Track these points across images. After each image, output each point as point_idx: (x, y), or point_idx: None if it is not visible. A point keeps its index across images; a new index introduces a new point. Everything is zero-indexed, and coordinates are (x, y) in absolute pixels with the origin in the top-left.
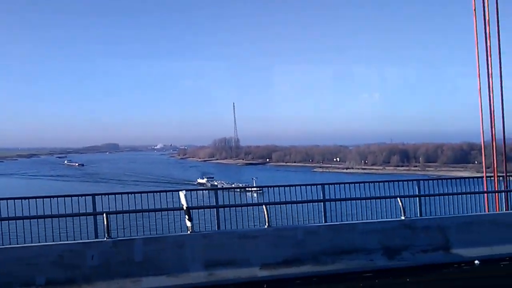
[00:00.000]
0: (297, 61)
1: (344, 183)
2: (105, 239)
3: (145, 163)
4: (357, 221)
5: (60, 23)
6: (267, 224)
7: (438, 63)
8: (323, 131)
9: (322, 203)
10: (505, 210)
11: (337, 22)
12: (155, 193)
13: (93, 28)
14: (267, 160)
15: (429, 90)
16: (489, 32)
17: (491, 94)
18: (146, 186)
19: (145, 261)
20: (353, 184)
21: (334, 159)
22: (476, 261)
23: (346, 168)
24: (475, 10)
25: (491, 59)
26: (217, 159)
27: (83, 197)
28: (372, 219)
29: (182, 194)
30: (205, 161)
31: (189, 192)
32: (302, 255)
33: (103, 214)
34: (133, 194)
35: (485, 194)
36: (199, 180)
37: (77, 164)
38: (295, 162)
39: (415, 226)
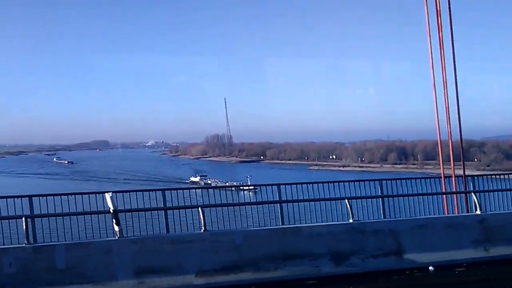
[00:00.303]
0: (292, 56)
1: (302, 183)
2: (24, 244)
3: (136, 161)
4: (302, 225)
5: (48, 17)
6: (203, 228)
7: (436, 58)
8: (318, 128)
9: (278, 204)
10: (466, 212)
11: (333, 14)
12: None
13: (83, 22)
14: (262, 157)
15: (426, 86)
16: (441, 24)
17: (445, 90)
18: (137, 184)
19: (68, 268)
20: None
21: (330, 157)
22: (431, 267)
23: (343, 166)
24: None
25: (443, 52)
26: (209, 157)
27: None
28: (319, 223)
29: (108, 196)
30: (197, 158)
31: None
32: (241, 261)
33: (22, 218)
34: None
35: (444, 195)
36: (192, 179)
37: (66, 162)
38: (290, 159)
39: (364, 229)
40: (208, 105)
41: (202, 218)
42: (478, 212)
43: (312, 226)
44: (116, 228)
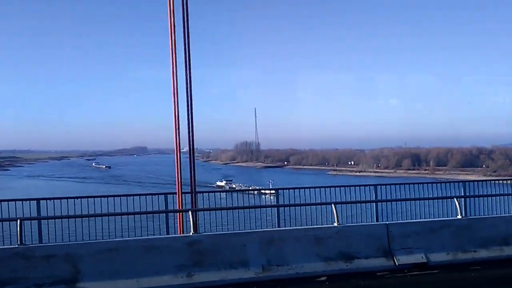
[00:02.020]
0: (319, 66)
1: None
2: None
3: (170, 166)
4: None
5: (89, 29)
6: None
7: (455, 70)
8: (343, 135)
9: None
10: (179, 233)
11: (357, 28)
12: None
13: (124, 34)
14: (285, 163)
15: (445, 96)
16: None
17: (176, 98)
18: (163, 188)
19: None
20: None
21: (349, 163)
22: None
23: (359, 172)
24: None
25: (175, 56)
26: (237, 162)
27: None
28: None
29: None
30: (226, 164)
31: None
32: None
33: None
34: None
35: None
36: (218, 183)
37: (104, 167)
38: (311, 165)
39: (33, 254)
40: (240, 114)
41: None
42: (191, 233)
43: None
44: None
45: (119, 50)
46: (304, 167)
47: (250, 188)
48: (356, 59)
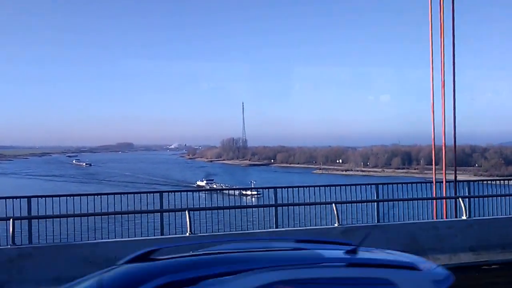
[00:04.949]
0: (310, 63)
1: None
2: None
3: (152, 163)
4: None
5: (78, 24)
6: None
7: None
8: (337, 132)
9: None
10: None
11: (349, 26)
12: None
13: (112, 29)
14: (272, 161)
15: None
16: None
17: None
18: (134, 187)
19: None
20: None
21: (337, 161)
22: None
23: (345, 170)
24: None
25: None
26: (223, 160)
27: None
28: None
29: None
30: (211, 161)
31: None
32: None
33: None
34: None
35: None
36: (199, 183)
37: (84, 164)
38: (298, 163)
39: None
40: (229, 110)
41: None
42: None
43: None
44: None
45: (102, 42)
46: (291, 165)
47: (233, 187)
48: (350, 54)
